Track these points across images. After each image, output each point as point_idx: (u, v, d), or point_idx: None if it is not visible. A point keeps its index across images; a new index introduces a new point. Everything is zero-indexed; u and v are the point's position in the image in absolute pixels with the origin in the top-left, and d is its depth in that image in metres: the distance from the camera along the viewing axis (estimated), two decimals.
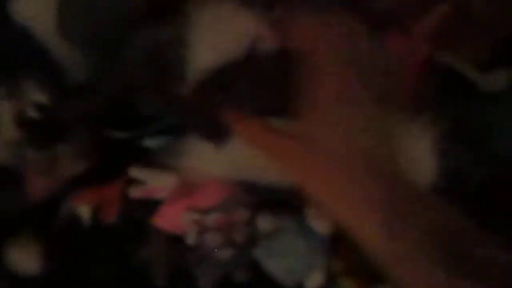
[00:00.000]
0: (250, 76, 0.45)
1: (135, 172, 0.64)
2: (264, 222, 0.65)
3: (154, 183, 0.63)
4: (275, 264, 0.65)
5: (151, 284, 0.72)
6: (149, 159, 0.64)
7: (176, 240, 0.68)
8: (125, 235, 0.73)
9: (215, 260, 0.67)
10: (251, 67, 0.45)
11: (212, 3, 0.46)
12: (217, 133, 0.49)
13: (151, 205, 0.66)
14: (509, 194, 0.63)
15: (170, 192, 0.64)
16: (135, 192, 0.65)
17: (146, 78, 0.51)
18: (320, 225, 0.64)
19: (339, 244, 0.66)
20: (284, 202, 0.66)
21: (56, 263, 0.73)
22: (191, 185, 0.62)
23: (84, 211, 0.69)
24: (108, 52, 0.54)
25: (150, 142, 0.64)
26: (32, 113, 0.61)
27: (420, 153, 0.50)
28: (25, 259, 0.71)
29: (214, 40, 0.46)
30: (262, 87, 0.45)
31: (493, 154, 0.63)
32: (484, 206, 0.60)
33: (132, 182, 0.66)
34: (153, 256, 0.73)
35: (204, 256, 0.68)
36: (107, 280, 0.75)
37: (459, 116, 0.61)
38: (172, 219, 0.63)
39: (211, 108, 0.47)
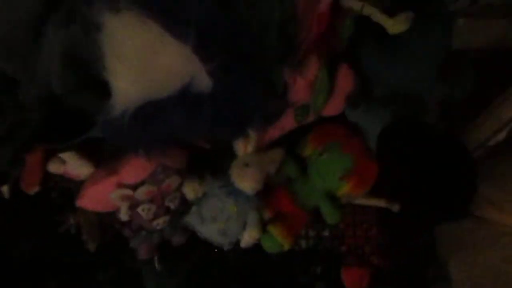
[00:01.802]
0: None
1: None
2: (190, 190, 0.65)
3: (70, 167, 0.60)
4: (208, 229, 0.65)
5: (83, 250, 0.72)
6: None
7: None
8: (53, 204, 0.70)
9: (151, 229, 0.67)
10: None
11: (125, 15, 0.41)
12: None
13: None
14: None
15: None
16: (54, 168, 0.61)
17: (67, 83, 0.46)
18: (245, 185, 0.63)
19: (267, 196, 0.67)
20: (209, 167, 0.66)
21: None
22: (115, 163, 0.59)
23: None
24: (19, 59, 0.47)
25: None
26: None
27: None
28: None
29: (138, 69, 0.42)
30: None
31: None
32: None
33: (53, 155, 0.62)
34: (82, 222, 0.71)
35: (139, 228, 0.67)
36: (37, 250, 0.74)
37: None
38: (99, 199, 0.61)
39: None
